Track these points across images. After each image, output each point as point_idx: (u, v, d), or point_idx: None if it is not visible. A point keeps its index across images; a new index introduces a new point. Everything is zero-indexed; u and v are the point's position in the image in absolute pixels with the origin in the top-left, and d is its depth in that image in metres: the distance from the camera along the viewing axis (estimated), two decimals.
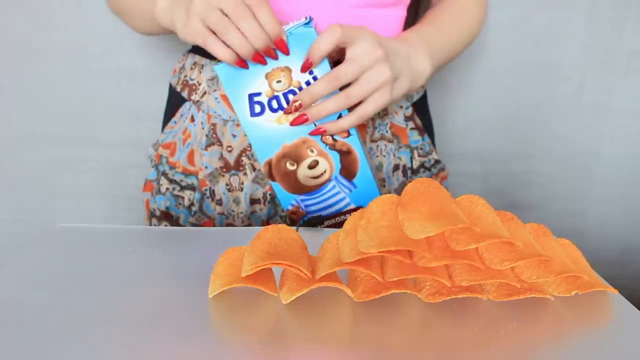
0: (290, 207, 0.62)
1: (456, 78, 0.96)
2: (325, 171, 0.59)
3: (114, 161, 0.97)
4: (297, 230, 0.48)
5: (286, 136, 0.57)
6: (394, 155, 0.68)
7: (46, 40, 0.90)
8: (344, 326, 0.41)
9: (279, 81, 0.55)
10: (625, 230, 1.06)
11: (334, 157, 0.59)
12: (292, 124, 0.56)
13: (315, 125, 0.57)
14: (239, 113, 0.57)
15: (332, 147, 0.58)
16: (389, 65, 0.55)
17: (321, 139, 0.58)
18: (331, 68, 0.55)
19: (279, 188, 0.61)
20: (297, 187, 0.61)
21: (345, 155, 0.59)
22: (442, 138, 0.98)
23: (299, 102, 0.54)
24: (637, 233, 1.06)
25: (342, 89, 0.56)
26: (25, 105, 0.93)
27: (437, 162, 0.73)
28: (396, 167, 0.69)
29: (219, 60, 0.54)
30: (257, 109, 0.56)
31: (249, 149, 0.65)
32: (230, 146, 0.65)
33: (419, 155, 0.71)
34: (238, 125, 0.65)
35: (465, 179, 1.01)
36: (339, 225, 0.63)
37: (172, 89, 0.72)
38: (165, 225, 0.70)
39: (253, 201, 0.66)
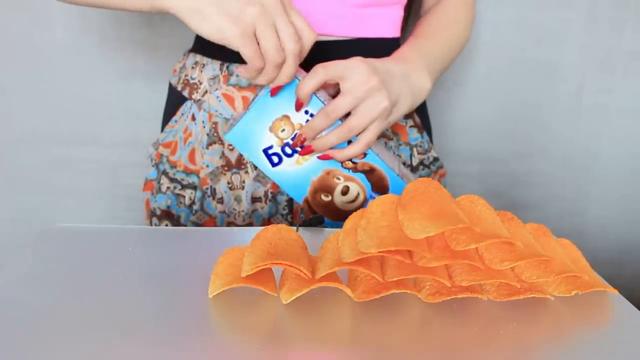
0: None
1: (456, 78, 0.96)
2: (358, 194, 0.62)
3: (114, 161, 0.97)
4: (297, 230, 0.48)
5: (310, 172, 0.60)
6: (394, 153, 0.69)
7: (46, 40, 0.90)
8: (344, 326, 0.41)
9: (283, 130, 0.59)
10: (624, 230, 1.06)
11: (361, 178, 0.61)
12: (301, 154, 0.59)
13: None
14: (262, 169, 0.61)
15: (355, 170, 0.61)
16: (385, 92, 0.56)
17: (342, 166, 0.61)
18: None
19: (327, 220, 0.64)
20: (339, 214, 0.63)
21: (370, 173, 0.61)
22: (441, 138, 0.98)
23: (303, 136, 0.58)
24: (637, 233, 1.06)
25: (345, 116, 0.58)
26: (25, 105, 0.93)
27: (436, 159, 0.73)
28: None
29: (229, 129, 0.59)
30: (275, 159, 0.60)
31: None
32: (231, 145, 0.65)
33: (418, 153, 0.71)
34: None
35: (465, 179, 1.01)
36: None
37: (172, 88, 0.72)
38: (166, 224, 0.70)
39: (254, 199, 0.66)
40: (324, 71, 0.55)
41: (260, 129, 0.59)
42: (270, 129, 0.59)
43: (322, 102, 0.57)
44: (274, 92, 0.57)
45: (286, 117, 0.58)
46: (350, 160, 0.60)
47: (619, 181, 1.03)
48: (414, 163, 0.71)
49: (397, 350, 0.37)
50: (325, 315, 0.41)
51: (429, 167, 0.72)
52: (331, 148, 0.58)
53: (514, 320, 0.41)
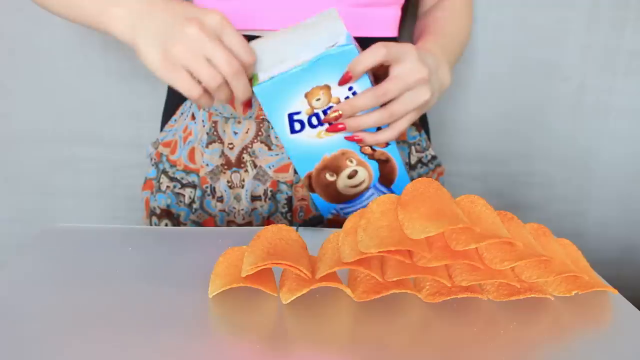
0: (330, 216, 0.63)
1: (456, 78, 0.96)
2: (364, 180, 0.60)
3: (114, 161, 0.97)
4: (297, 230, 0.48)
5: (326, 149, 0.58)
6: None
7: (46, 40, 0.90)
8: (344, 326, 0.41)
9: (319, 99, 0.55)
10: (625, 230, 1.06)
11: (373, 166, 0.60)
12: (329, 130, 0.56)
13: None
14: (278, 132, 0.57)
15: (371, 157, 0.59)
16: (429, 85, 0.55)
17: (360, 150, 0.59)
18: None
19: (319, 199, 0.62)
20: (336, 196, 0.62)
21: (384, 163, 0.60)
22: (442, 138, 0.98)
23: (339, 112, 0.55)
24: (637, 233, 1.06)
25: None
26: (25, 105, 0.93)
27: (434, 157, 0.74)
28: None
29: (258, 83, 0.54)
30: (297, 126, 0.56)
31: (250, 145, 0.65)
32: (231, 143, 0.65)
33: (417, 151, 0.72)
34: (239, 122, 0.65)
35: (465, 179, 1.01)
36: None
37: (171, 88, 0.72)
38: (166, 223, 0.70)
39: (254, 198, 0.66)
40: (386, 51, 0.52)
41: (296, 92, 0.54)
42: (306, 95, 0.55)
43: (371, 82, 0.55)
44: (245, 109, 0.54)
45: (327, 86, 0.54)
46: (371, 146, 0.59)
47: (620, 181, 1.03)
48: (412, 161, 0.71)
49: (397, 350, 0.37)
50: (325, 315, 0.41)
51: (427, 165, 0.73)
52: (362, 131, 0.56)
53: (514, 320, 0.41)
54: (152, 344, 0.37)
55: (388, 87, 0.54)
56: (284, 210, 0.67)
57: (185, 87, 0.52)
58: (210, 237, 0.55)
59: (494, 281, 0.43)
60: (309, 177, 0.60)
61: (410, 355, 0.37)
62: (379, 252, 0.40)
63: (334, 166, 0.59)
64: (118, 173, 0.97)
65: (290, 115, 0.56)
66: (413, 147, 0.71)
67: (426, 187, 0.45)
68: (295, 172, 0.64)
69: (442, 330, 0.40)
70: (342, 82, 0.54)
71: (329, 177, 0.60)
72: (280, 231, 0.46)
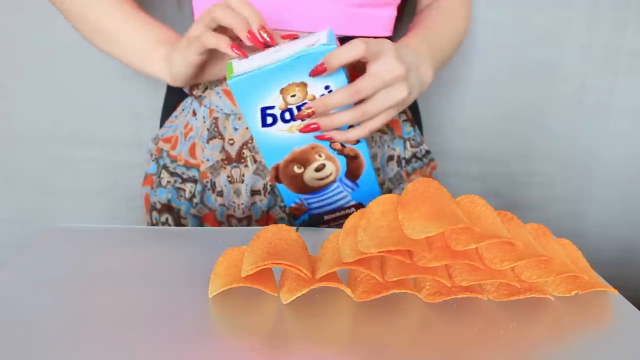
0: (293, 205, 0.63)
1: (456, 78, 0.96)
2: (331, 174, 0.60)
3: (114, 161, 0.97)
4: (297, 230, 0.48)
5: (295, 143, 0.58)
6: (388, 146, 0.70)
7: (46, 40, 0.90)
8: (344, 326, 0.41)
9: (294, 95, 0.54)
10: (626, 231, 1.06)
11: (341, 161, 0.60)
12: (302, 131, 0.56)
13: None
14: (250, 125, 0.56)
15: (340, 152, 0.59)
16: (407, 83, 0.54)
17: (330, 145, 0.58)
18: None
19: (284, 189, 0.62)
20: (302, 187, 0.61)
21: (352, 159, 0.60)
22: (442, 138, 0.98)
23: (312, 109, 0.54)
24: (638, 233, 1.06)
25: None
26: (25, 105, 0.93)
27: (428, 152, 0.75)
28: (390, 158, 0.70)
29: (232, 76, 0.54)
30: (269, 120, 0.56)
31: (251, 141, 0.66)
32: (232, 139, 0.66)
33: (411, 146, 0.72)
34: (240, 118, 0.65)
35: (464, 180, 1.01)
36: (340, 219, 0.64)
37: (170, 85, 0.72)
38: (166, 218, 0.70)
39: (253, 192, 0.67)
40: (366, 47, 0.51)
41: (271, 87, 0.54)
42: (282, 91, 0.54)
43: (347, 81, 0.54)
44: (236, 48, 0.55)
45: (304, 84, 0.54)
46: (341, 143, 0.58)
47: (620, 181, 1.03)
48: (407, 156, 0.72)
49: (397, 350, 0.37)
50: (325, 315, 0.41)
51: (422, 160, 0.74)
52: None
53: (514, 320, 0.41)
54: (152, 344, 0.37)
55: (362, 84, 0.53)
56: (282, 204, 0.67)
57: (213, 42, 0.55)
58: (210, 237, 0.55)
59: (494, 281, 0.43)
60: (277, 168, 0.60)
61: (410, 355, 0.37)
62: (379, 252, 0.40)
63: (302, 159, 0.59)
64: (118, 173, 0.97)
65: (263, 109, 0.55)
66: (408, 142, 0.72)
67: (426, 187, 0.45)
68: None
69: (442, 330, 0.40)
70: (314, 73, 0.52)
71: (297, 170, 0.60)
72: (280, 231, 0.46)
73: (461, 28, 0.73)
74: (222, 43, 0.54)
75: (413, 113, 0.74)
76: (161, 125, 0.74)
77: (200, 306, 0.42)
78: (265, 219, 0.68)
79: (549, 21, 0.92)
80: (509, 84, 0.96)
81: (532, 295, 0.43)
